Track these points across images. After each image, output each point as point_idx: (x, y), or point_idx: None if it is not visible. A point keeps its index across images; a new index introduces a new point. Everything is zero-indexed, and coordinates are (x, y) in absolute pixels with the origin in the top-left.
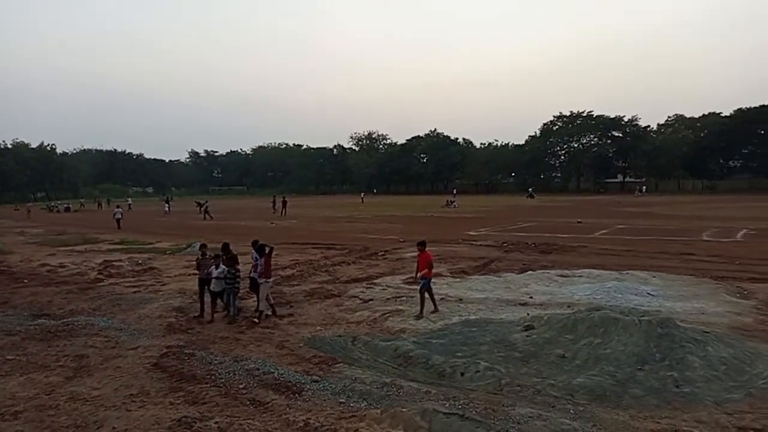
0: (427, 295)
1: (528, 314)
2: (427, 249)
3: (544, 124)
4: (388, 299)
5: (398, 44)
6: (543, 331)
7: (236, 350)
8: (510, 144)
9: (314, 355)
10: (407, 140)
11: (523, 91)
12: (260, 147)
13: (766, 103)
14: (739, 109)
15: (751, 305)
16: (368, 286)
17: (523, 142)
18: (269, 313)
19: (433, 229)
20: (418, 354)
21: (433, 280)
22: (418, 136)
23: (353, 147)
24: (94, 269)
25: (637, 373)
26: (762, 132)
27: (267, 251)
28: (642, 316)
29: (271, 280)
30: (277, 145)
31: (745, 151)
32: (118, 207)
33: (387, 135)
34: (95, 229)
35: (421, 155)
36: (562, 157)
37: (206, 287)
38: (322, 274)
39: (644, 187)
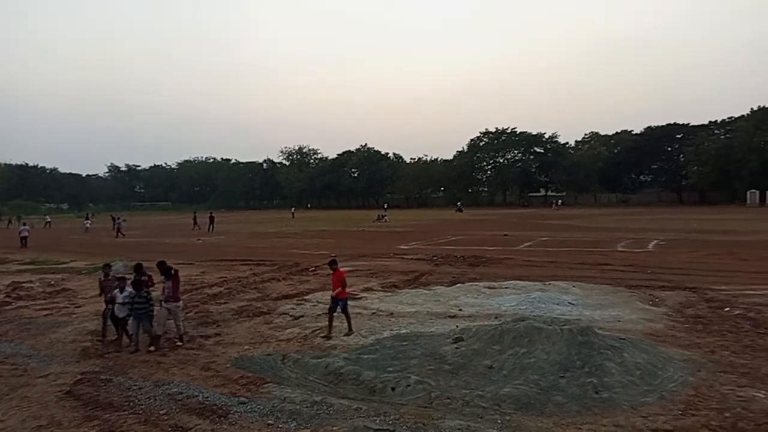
0: (343, 315)
1: (457, 326)
2: (339, 267)
3: (471, 140)
4: (319, 315)
5: (327, 59)
6: (472, 342)
7: (157, 374)
8: (439, 159)
9: (242, 376)
10: (338, 155)
11: (450, 108)
12: (186, 161)
13: (671, 122)
14: (648, 127)
15: (661, 312)
16: (299, 302)
17: (452, 158)
18: (174, 337)
19: (364, 243)
20: (348, 370)
21: (364, 294)
22: (349, 150)
23: (284, 161)
24: (1, 291)
25: (560, 381)
26: (669, 149)
27: (173, 273)
28: (564, 325)
29: (181, 303)
30: (204, 159)
31: (654, 166)
32: (24, 224)
33: (318, 149)
34: (3, 249)
35: (353, 170)
36: (489, 172)
37: (111, 311)
38: (251, 291)
39: (560, 200)
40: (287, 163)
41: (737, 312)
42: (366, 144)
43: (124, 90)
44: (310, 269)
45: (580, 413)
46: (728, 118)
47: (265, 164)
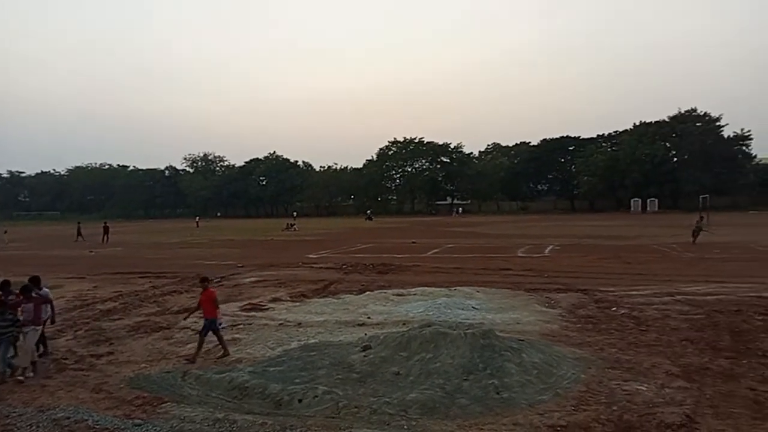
0: (215, 337)
1: (366, 335)
2: (210, 286)
3: (381, 149)
4: (223, 328)
5: (234, 65)
6: (380, 350)
7: (41, 399)
8: (349, 167)
9: (137, 396)
10: (246, 162)
11: (360, 116)
12: (78, 167)
13: (564, 135)
14: (544, 140)
15: (557, 313)
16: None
17: (362, 166)
18: (29, 367)
19: (273, 252)
20: (254, 384)
21: (271, 305)
22: (257, 158)
23: (187, 169)
24: None
25: (464, 384)
26: (562, 160)
27: (34, 294)
28: (467, 329)
29: (40, 327)
30: (98, 165)
31: (550, 176)
32: None
33: (224, 157)
34: None
35: (261, 178)
36: (398, 181)
37: None
38: (150, 305)
39: (460, 208)
40: (191, 171)
41: (623, 311)
42: (275, 152)
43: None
44: (215, 280)
45: (482, 414)
46: (614, 132)
47: (167, 171)
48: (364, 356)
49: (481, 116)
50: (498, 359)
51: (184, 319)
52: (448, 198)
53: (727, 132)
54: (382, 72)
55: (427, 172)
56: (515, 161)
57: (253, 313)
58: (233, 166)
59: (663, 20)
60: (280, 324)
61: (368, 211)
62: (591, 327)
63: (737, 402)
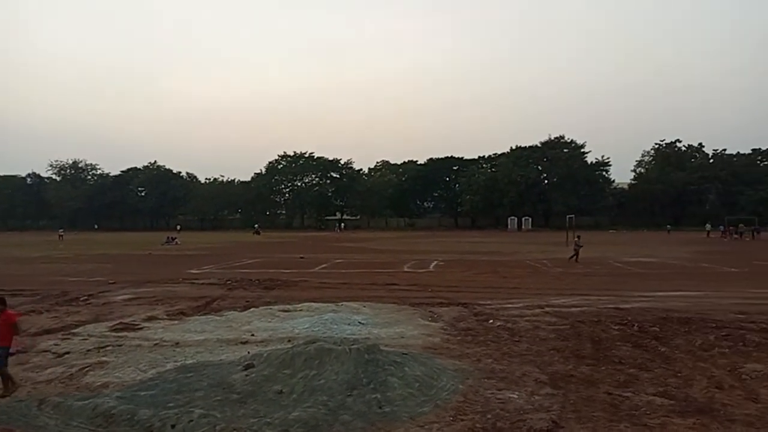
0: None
1: (249, 353)
2: (9, 309)
3: (270, 163)
4: (89, 351)
5: (109, 69)
6: (262, 368)
7: None
8: (236, 180)
9: None
10: (122, 172)
11: (248, 129)
12: None
13: (449, 155)
14: (431, 159)
15: (439, 327)
16: (65, 336)
17: (250, 179)
18: None
19: (150, 268)
20: (122, 410)
21: (146, 324)
22: (136, 168)
23: (54, 176)
24: None
25: (347, 400)
26: (447, 179)
27: None
28: (352, 345)
29: None
30: None
31: (436, 194)
32: None
33: (97, 165)
34: None
35: (139, 188)
36: (287, 195)
37: None
38: None
39: (343, 224)
40: (58, 179)
41: (498, 323)
42: (155, 161)
43: None
44: (82, 298)
45: (364, 429)
46: (494, 154)
47: (29, 179)
48: (246, 375)
49: (371, 133)
50: (382, 374)
51: None
52: (337, 213)
53: (590, 158)
54: (272, 84)
55: (317, 187)
56: (403, 179)
57: (124, 334)
58: (108, 175)
59: (538, 58)
60: (155, 344)
61: (256, 225)
62: (470, 339)
63: (597, 406)
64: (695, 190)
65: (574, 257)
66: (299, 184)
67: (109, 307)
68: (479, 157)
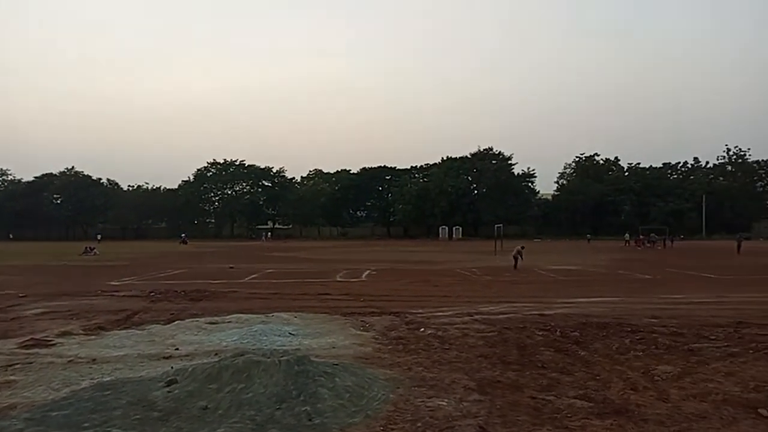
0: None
1: (172, 368)
2: None
3: (198, 170)
4: None
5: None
6: (186, 384)
7: None
8: (162, 188)
9: None
10: (36, 178)
11: (174, 134)
12: None
13: (382, 165)
14: (364, 168)
15: (370, 336)
16: None
17: (177, 187)
18: None
19: (66, 280)
20: None
21: (59, 340)
22: (51, 173)
23: None
24: None
25: (276, 413)
26: (380, 188)
27: None
28: (282, 356)
29: None
30: None
31: (369, 203)
32: None
33: (8, 170)
34: None
35: (55, 195)
36: (217, 203)
37: None
38: None
39: (269, 233)
40: None
41: (429, 332)
42: (73, 167)
43: None
44: None
45: None
46: (425, 164)
47: None
48: (168, 392)
49: (304, 142)
50: (312, 385)
51: None
52: (269, 222)
53: (516, 170)
54: (200, 90)
55: (248, 196)
56: (336, 188)
57: (35, 350)
58: (19, 180)
59: (471, 68)
60: (70, 361)
61: (183, 235)
62: (401, 348)
63: (521, 410)
64: (612, 201)
65: (515, 264)
66: (229, 192)
67: (18, 323)
68: (412, 167)
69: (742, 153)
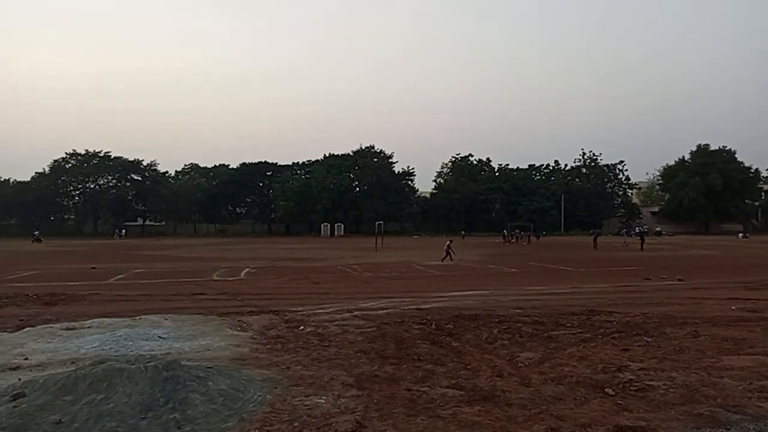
0: None
1: (20, 379)
2: None
3: (55, 161)
4: None
5: None
6: (36, 396)
7: None
8: (11, 180)
9: None
10: None
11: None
12: None
13: (263, 160)
14: (243, 163)
15: (248, 336)
16: None
17: (29, 180)
18: None
19: None
20: None
21: None
22: None
23: None
24: None
25: (141, 423)
26: (261, 184)
27: None
28: (149, 362)
29: None
30: None
31: (249, 199)
32: None
33: None
34: None
35: None
36: (77, 198)
37: None
38: None
39: (124, 230)
40: None
41: (309, 330)
42: None
43: None
44: None
45: None
46: (307, 160)
47: None
48: (15, 406)
49: (178, 134)
50: (182, 391)
51: None
52: (139, 219)
53: (397, 168)
54: (59, 73)
55: (114, 190)
56: (214, 183)
57: None
58: None
59: (355, 67)
60: None
61: (36, 232)
62: (280, 347)
63: (398, 402)
64: (484, 199)
65: (448, 257)
66: (92, 186)
67: None
68: (294, 163)
69: (594, 157)
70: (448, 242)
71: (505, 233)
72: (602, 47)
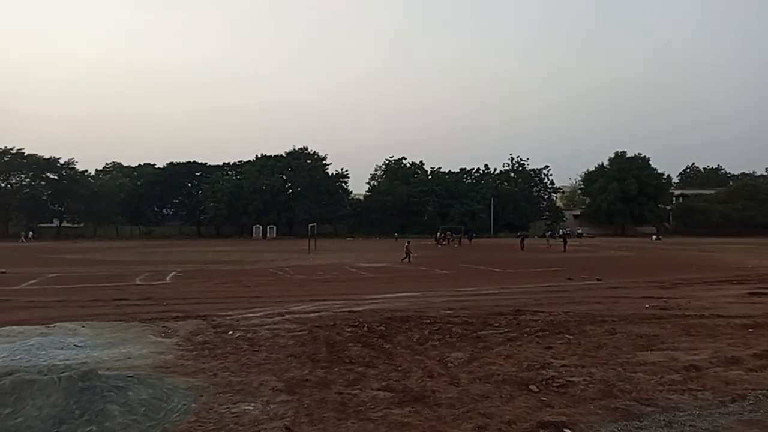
0: None
1: None
2: None
3: None
4: None
5: None
6: None
7: None
8: None
9: None
10: None
11: None
12: None
13: (191, 160)
14: (171, 163)
15: (173, 343)
16: None
17: None
18: None
19: None
20: None
21: None
22: None
23: None
24: None
25: None
26: (189, 185)
27: None
28: (63, 372)
29: None
30: None
31: (176, 200)
32: None
33: None
34: None
35: None
36: None
37: None
38: None
39: (31, 233)
40: None
41: (238, 334)
42: None
43: None
44: None
45: None
46: (239, 161)
47: None
48: None
49: (100, 133)
50: (99, 402)
51: None
52: (54, 220)
53: (330, 170)
54: None
55: (27, 190)
56: (138, 183)
57: None
58: None
59: (281, 66)
60: None
61: None
62: (207, 353)
63: (328, 406)
64: (417, 202)
65: (407, 258)
66: (3, 185)
67: None
68: (224, 163)
69: (522, 162)
70: (407, 243)
71: (438, 235)
72: (530, 57)
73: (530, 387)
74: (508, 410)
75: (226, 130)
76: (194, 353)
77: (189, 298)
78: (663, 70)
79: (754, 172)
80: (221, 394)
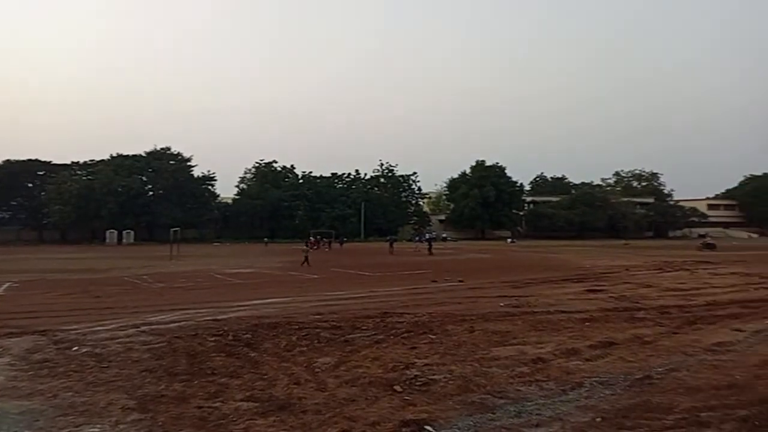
0: None
1: None
2: None
3: None
4: None
5: None
6: None
7: None
8: None
9: None
10: None
11: None
12: None
13: (32, 158)
14: (7, 161)
15: (5, 363)
16: None
17: None
18: None
19: None
20: None
21: None
22: None
23: None
24: None
25: None
26: (30, 185)
27: None
28: None
29: None
30: None
31: (14, 202)
32: None
33: None
34: None
35: None
36: None
37: None
38: None
39: None
40: None
41: (85, 350)
42: None
43: None
44: None
45: None
46: (90, 160)
47: None
48: None
49: None
50: None
51: None
52: None
53: (196, 172)
54: None
55: None
56: None
57: None
58: None
59: (139, 60)
60: None
61: None
62: (46, 372)
63: (186, 422)
64: (288, 206)
65: (306, 262)
66: None
67: None
68: (73, 162)
69: (391, 167)
70: (305, 247)
71: (311, 240)
72: (390, 65)
73: (395, 387)
74: (372, 412)
75: (73, 128)
76: (30, 373)
77: (26, 312)
78: (518, 86)
79: (591, 182)
80: (61, 417)
